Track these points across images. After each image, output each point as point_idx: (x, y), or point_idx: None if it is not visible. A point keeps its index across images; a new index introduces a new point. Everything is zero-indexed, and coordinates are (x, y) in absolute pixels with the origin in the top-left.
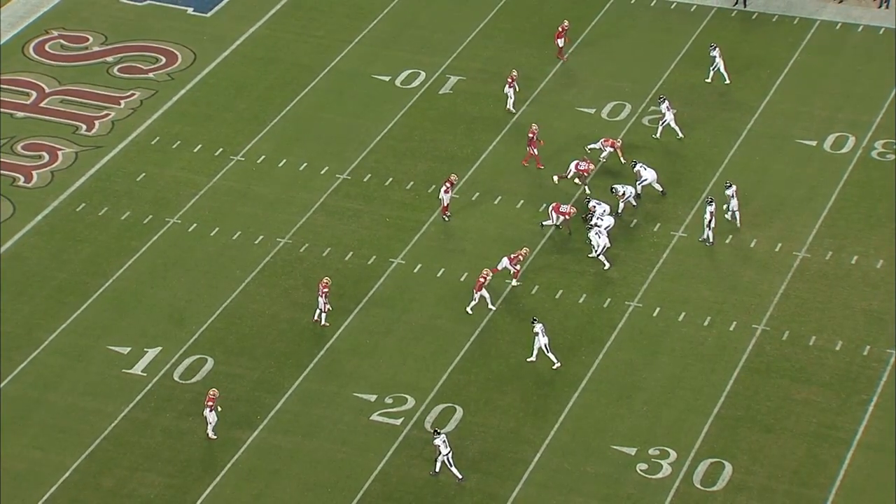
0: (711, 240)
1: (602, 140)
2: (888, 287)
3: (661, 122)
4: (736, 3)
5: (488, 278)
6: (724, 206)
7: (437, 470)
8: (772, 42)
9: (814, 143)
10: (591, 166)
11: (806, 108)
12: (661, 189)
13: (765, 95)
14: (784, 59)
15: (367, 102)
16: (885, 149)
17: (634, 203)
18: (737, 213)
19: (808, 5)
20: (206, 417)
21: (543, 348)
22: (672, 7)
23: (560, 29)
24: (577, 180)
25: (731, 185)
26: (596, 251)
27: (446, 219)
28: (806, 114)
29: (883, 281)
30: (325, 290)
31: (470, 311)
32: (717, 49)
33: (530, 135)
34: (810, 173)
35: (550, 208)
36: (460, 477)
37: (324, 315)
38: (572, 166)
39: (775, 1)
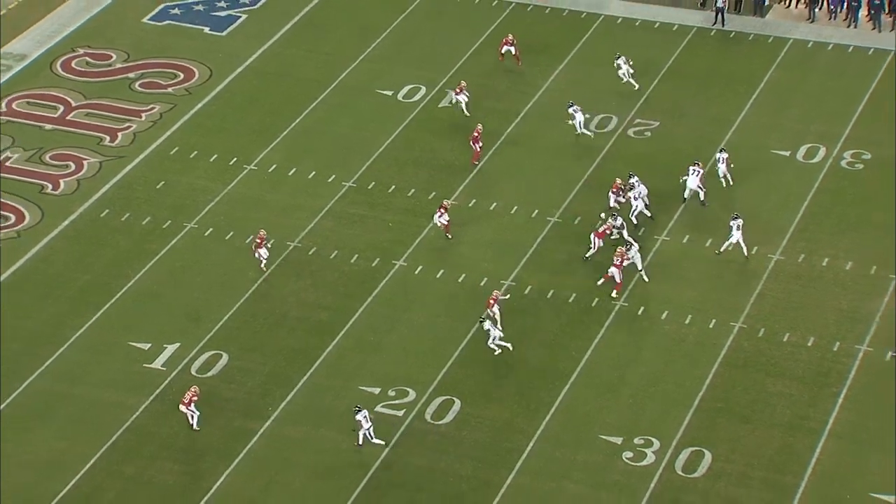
0: (745, 254)
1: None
2: (857, 287)
3: (573, 121)
4: (715, 23)
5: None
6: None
7: (361, 443)
8: (748, 59)
9: (787, 154)
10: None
11: (780, 121)
12: (649, 213)
13: (741, 109)
14: (759, 75)
15: (372, 115)
16: (854, 158)
17: (649, 213)
18: (728, 176)
19: (782, 25)
20: (187, 415)
21: (495, 342)
22: (656, 26)
23: (504, 40)
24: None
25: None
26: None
27: (450, 237)
28: (780, 126)
29: (852, 282)
30: (261, 241)
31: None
32: (623, 58)
33: (475, 134)
34: (784, 181)
35: (592, 235)
36: (381, 443)
37: (264, 262)
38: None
39: (751, 21)
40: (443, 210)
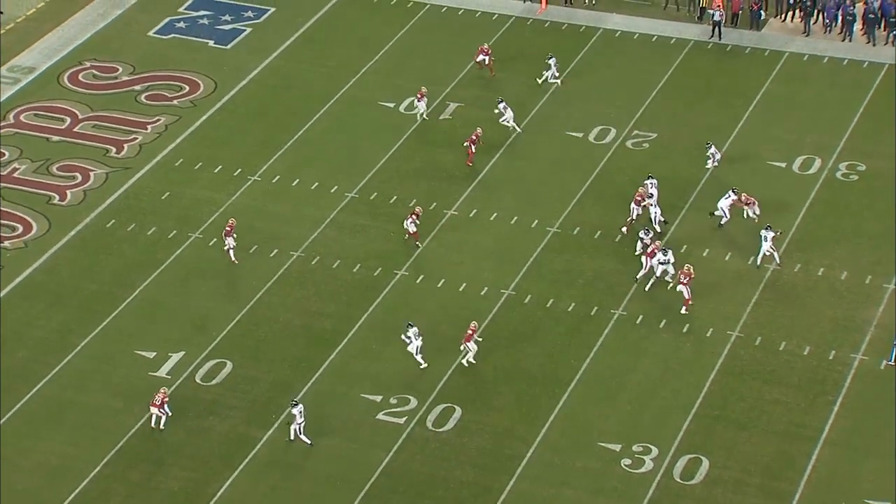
0: (777, 261)
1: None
2: (852, 297)
3: (504, 120)
4: (712, 37)
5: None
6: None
7: (292, 437)
8: (745, 72)
9: (783, 165)
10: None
11: (776, 133)
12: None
13: (738, 121)
14: (756, 87)
15: (374, 127)
16: (849, 170)
17: (663, 218)
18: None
19: (778, 39)
20: (157, 416)
21: (414, 350)
22: (653, 40)
23: (480, 48)
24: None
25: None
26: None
27: (419, 245)
28: (776, 138)
29: (847, 291)
30: (230, 229)
31: (466, 363)
32: (554, 59)
33: (474, 137)
34: (780, 192)
35: (644, 257)
36: (309, 443)
37: (232, 251)
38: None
39: (748, 34)
40: (414, 216)
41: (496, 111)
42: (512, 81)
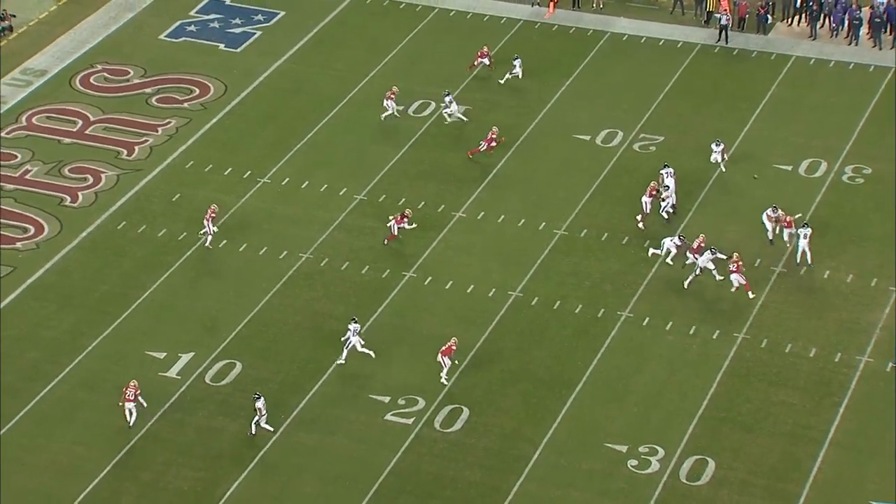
0: (809, 262)
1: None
2: (858, 299)
3: (447, 113)
4: (718, 40)
5: (454, 348)
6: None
7: (254, 432)
8: (751, 76)
9: (790, 168)
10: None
11: (782, 136)
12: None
13: (745, 124)
14: (762, 91)
15: (382, 130)
16: (855, 173)
17: (674, 210)
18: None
19: (785, 42)
20: (130, 410)
21: (357, 346)
22: (661, 43)
23: (479, 52)
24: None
25: (720, 143)
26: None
27: (385, 243)
28: (782, 141)
29: (853, 293)
30: (213, 215)
31: (444, 380)
32: (519, 60)
33: (491, 135)
34: (786, 195)
35: (689, 253)
36: (271, 429)
37: (209, 237)
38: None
39: (754, 38)
40: (404, 217)
41: (442, 104)
42: (520, 83)
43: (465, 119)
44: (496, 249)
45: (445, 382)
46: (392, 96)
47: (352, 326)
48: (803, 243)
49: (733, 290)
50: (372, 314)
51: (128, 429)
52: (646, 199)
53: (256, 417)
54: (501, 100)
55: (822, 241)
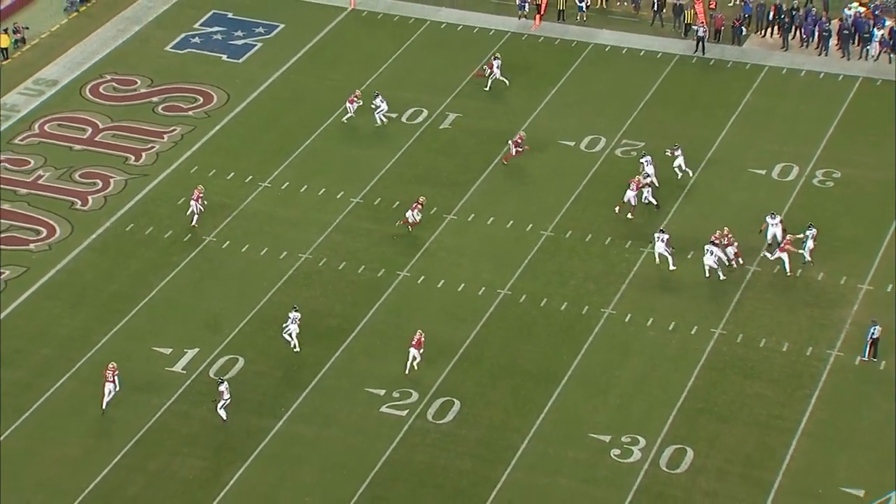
0: (809, 259)
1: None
2: (828, 296)
3: (380, 113)
4: (696, 51)
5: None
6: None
7: (226, 418)
8: (727, 85)
9: (763, 172)
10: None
11: (756, 142)
12: (655, 201)
13: (721, 130)
14: (737, 99)
15: (378, 136)
16: (825, 177)
17: (656, 202)
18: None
19: (758, 53)
20: (108, 390)
21: (289, 335)
22: (641, 54)
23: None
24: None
25: (677, 147)
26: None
27: (410, 230)
28: (756, 146)
29: (823, 291)
30: (199, 196)
31: (407, 372)
32: (499, 60)
33: (518, 139)
34: (760, 198)
35: (733, 253)
36: (225, 419)
37: (196, 217)
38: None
39: (730, 49)
40: (419, 205)
41: (373, 105)
42: (509, 93)
43: (385, 120)
44: (486, 250)
45: (414, 368)
46: (354, 100)
47: (291, 315)
48: (809, 244)
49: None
50: (368, 312)
51: (101, 411)
52: (631, 193)
53: (222, 402)
54: (492, 108)
55: (794, 241)
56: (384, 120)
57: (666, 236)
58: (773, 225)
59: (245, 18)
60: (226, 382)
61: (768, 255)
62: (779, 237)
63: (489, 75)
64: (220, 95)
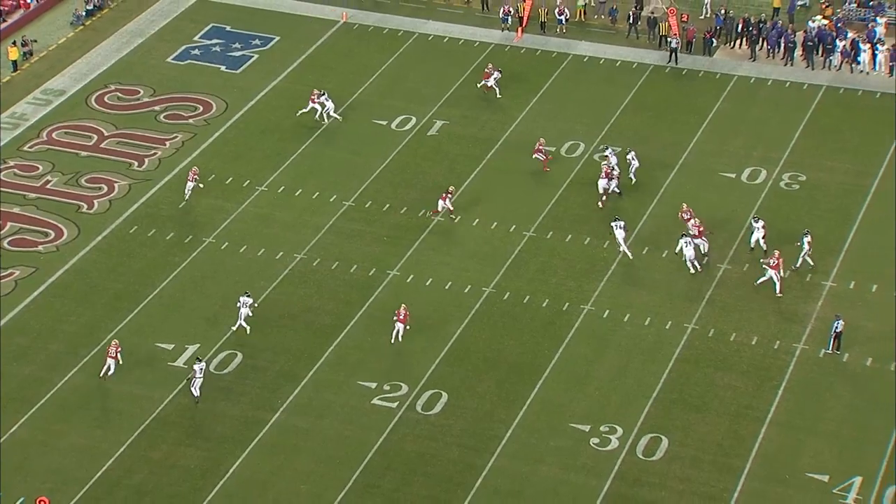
0: (799, 263)
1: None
2: (794, 293)
3: (325, 111)
4: (669, 61)
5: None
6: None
7: (198, 397)
8: (698, 93)
9: (733, 176)
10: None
11: (726, 147)
12: (618, 190)
13: (693, 136)
14: (708, 106)
15: (368, 143)
16: (791, 180)
17: (619, 191)
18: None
19: (728, 63)
20: (108, 365)
21: (242, 322)
22: (617, 64)
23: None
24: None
25: (630, 151)
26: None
27: (454, 218)
28: (726, 151)
29: (790, 288)
30: (195, 176)
31: (399, 338)
32: (499, 73)
33: (539, 147)
34: (730, 200)
35: (769, 268)
36: (197, 396)
37: (189, 193)
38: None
39: (701, 59)
40: (448, 194)
41: (319, 103)
42: (493, 102)
43: (327, 119)
44: (472, 250)
45: (398, 339)
46: (313, 98)
47: (242, 299)
48: (805, 249)
49: (758, 282)
50: (359, 309)
51: (99, 378)
52: (602, 182)
53: (196, 381)
54: (476, 115)
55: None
56: (326, 118)
57: (622, 222)
58: (757, 229)
59: (242, 31)
60: (202, 362)
61: (764, 265)
62: (762, 243)
63: (491, 85)
64: (219, 104)
